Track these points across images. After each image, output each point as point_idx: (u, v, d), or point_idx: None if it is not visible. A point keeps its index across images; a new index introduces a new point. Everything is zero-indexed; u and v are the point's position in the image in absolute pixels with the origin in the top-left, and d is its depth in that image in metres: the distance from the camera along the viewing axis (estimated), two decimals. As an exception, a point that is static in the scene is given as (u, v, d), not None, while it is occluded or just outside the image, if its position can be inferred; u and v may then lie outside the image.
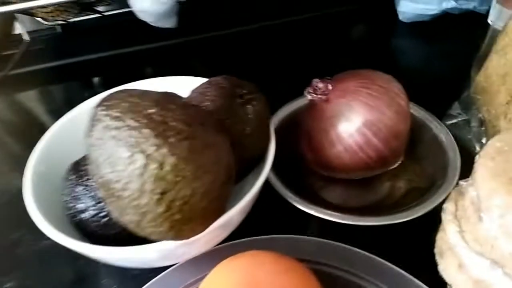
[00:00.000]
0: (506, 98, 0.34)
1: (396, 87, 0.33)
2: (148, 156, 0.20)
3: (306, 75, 0.35)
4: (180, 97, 0.24)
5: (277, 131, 0.31)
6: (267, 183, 0.31)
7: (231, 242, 0.28)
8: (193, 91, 0.29)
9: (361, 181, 0.36)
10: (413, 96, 0.37)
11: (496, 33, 0.36)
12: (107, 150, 0.21)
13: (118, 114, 0.21)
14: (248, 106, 0.27)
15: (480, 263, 0.24)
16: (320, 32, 0.58)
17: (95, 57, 0.55)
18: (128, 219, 0.21)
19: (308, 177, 0.37)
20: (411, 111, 0.39)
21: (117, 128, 0.20)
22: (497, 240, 0.23)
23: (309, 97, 0.34)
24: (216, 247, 0.28)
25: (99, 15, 0.56)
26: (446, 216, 0.27)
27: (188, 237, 0.22)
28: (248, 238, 0.28)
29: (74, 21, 0.56)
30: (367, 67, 0.35)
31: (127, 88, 0.23)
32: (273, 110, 0.39)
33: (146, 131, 0.20)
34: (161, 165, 0.20)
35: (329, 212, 0.31)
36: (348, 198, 0.36)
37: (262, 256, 0.25)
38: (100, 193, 0.23)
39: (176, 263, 0.27)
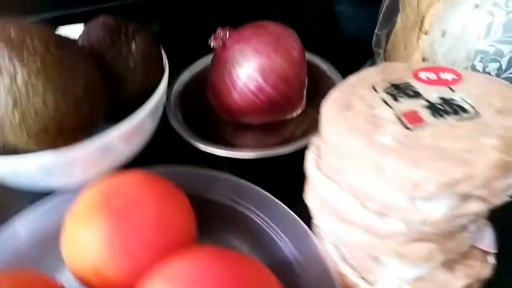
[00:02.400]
0: (409, 52, 0.35)
1: (287, 35, 0.35)
2: (2, 69, 0.22)
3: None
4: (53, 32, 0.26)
5: (192, 85, 0.33)
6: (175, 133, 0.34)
7: (116, 172, 0.30)
8: (83, 31, 0.31)
9: (268, 128, 0.38)
10: (328, 53, 0.39)
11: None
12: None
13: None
14: (132, 43, 0.29)
15: (329, 187, 0.26)
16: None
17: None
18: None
19: (219, 126, 0.39)
20: (318, 64, 0.41)
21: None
22: (339, 168, 0.25)
23: (211, 44, 0.36)
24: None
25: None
26: (311, 147, 0.29)
27: (50, 148, 0.25)
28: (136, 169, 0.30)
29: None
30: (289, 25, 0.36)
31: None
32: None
33: (1, 45, 0.22)
34: (14, 78, 0.22)
35: (217, 146, 0.34)
36: (255, 143, 0.38)
37: (133, 174, 0.27)
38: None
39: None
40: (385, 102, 0.24)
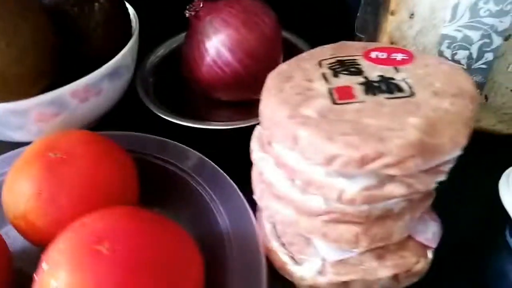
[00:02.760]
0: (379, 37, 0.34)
1: (261, 11, 0.34)
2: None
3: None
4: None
5: (170, 58, 0.33)
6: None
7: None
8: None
9: (240, 106, 0.37)
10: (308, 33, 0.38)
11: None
12: None
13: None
14: (96, 3, 0.30)
15: (263, 161, 0.25)
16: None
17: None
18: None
19: (191, 100, 0.39)
20: (301, 46, 0.40)
21: None
22: (270, 140, 0.24)
23: (187, 14, 0.36)
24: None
25: None
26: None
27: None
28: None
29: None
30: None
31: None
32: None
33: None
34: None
35: (177, 118, 0.34)
36: (220, 119, 0.37)
37: (76, 132, 0.28)
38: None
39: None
40: (324, 76, 0.23)
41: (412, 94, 0.21)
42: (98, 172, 0.25)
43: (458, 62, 0.28)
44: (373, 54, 0.25)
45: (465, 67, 0.28)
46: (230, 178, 0.29)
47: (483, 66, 0.28)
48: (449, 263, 0.26)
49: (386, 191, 0.20)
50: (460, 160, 0.21)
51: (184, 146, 0.31)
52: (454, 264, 0.26)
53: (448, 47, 0.28)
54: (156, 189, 0.29)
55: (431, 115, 0.20)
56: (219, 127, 0.34)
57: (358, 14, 0.37)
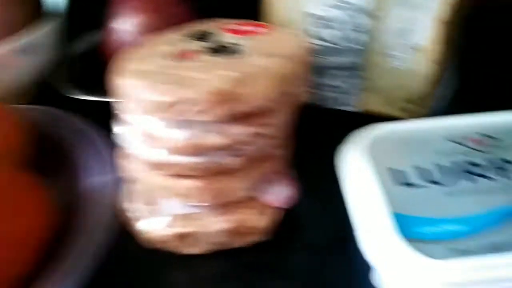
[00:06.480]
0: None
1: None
2: None
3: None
4: None
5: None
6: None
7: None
8: None
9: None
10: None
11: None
12: None
13: None
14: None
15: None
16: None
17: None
18: None
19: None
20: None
21: None
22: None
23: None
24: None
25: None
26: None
27: None
28: None
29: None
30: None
31: None
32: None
33: None
34: None
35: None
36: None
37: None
38: None
39: None
40: (177, 43, 0.25)
41: (243, 56, 0.23)
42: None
43: (327, 41, 0.30)
44: (232, 27, 0.27)
45: (338, 46, 0.30)
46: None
47: (356, 46, 0.30)
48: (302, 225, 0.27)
49: (208, 141, 0.22)
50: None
51: (77, 116, 0.32)
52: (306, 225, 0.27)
53: (315, 26, 0.29)
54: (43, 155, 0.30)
55: (247, 70, 0.22)
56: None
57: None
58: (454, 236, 0.20)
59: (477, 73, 0.37)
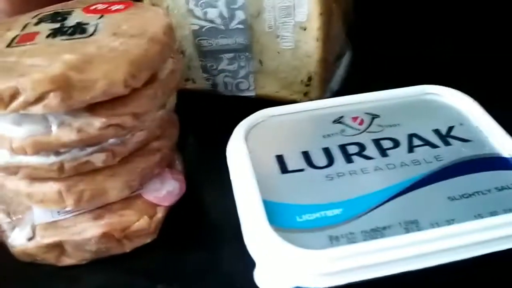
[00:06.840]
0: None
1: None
2: None
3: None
4: None
5: None
6: None
7: None
8: None
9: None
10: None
11: None
12: None
13: None
14: None
15: None
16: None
17: None
18: None
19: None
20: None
21: None
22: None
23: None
24: None
25: None
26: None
27: None
28: None
29: None
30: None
31: None
32: None
33: None
34: None
35: None
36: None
37: None
38: None
39: None
40: (23, 26, 0.22)
41: (91, 35, 0.20)
42: None
43: (211, 21, 0.28)
44: (93, 7, 0.24)
45: (223, 27, 0.28)
46: None
47: (240, 26, 0.28)
48: (191, 222, 0.25)
49: (54, 137, 0.19)
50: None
51: None
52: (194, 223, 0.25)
53: (196, 5, 0.27)
54: None
55: (91, 52, 0.19)
56: None
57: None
58: (333, 222, 0.19)
59: (373, 52, 0.37)
